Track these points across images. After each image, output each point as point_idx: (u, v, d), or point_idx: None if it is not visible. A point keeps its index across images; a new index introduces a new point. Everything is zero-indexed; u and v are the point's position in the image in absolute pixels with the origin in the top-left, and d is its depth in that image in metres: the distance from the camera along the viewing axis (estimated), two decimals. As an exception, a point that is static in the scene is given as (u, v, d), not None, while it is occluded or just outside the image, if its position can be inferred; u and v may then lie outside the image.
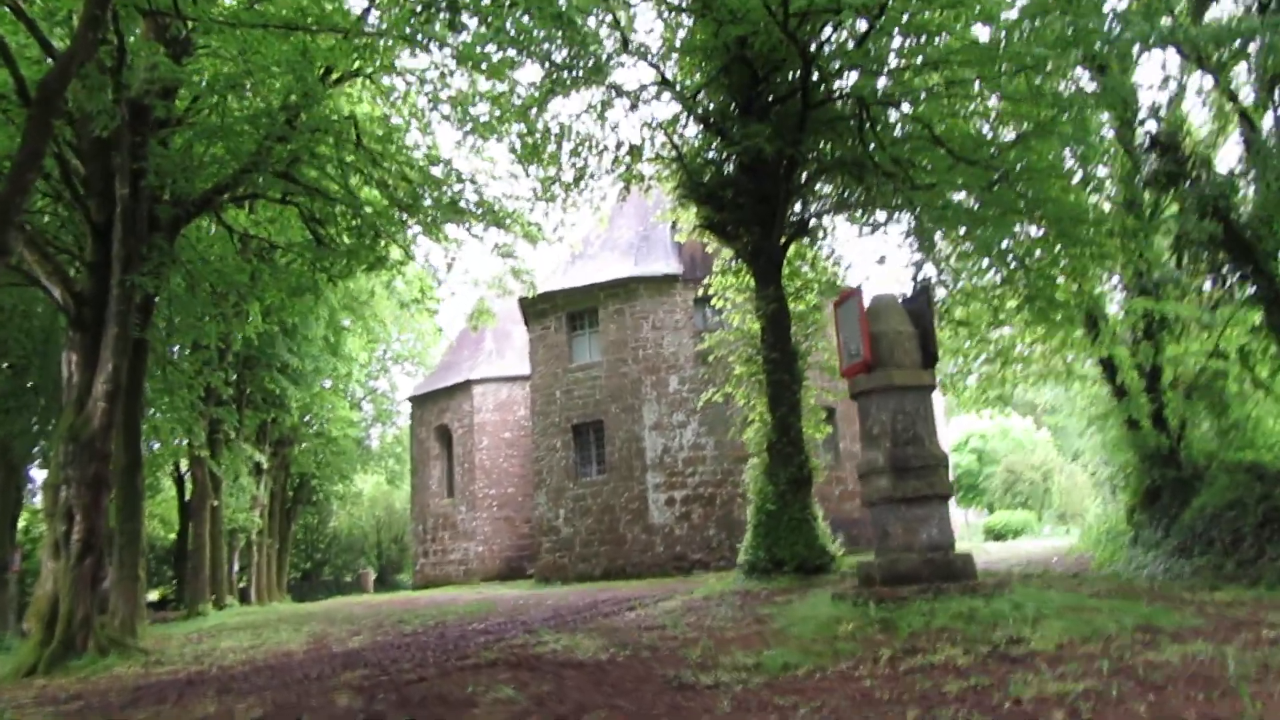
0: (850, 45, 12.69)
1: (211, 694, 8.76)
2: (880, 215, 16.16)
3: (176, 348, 21.60)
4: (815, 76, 13.97)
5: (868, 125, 13.51)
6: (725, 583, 15.39)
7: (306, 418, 36.81)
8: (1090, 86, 12.59)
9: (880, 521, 8.11)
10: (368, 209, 18.36)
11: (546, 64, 15.83)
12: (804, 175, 15.81)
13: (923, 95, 12.96)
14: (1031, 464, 39.76)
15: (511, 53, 16.87)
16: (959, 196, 13.88)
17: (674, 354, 24.12)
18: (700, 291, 21.27)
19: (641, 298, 24.38)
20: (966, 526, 35.93)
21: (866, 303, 8.37)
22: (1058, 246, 12.87)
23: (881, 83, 13.59)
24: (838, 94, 14.19)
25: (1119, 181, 13.69)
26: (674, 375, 24.04)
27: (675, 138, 16.93)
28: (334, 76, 16.42)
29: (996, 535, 35.26)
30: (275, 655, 12.36)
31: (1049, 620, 6.55)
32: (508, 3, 13.27)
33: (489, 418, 32.44)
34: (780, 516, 14.89)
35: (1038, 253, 13.57)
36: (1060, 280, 13.53)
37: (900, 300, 8.57)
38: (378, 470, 49.05)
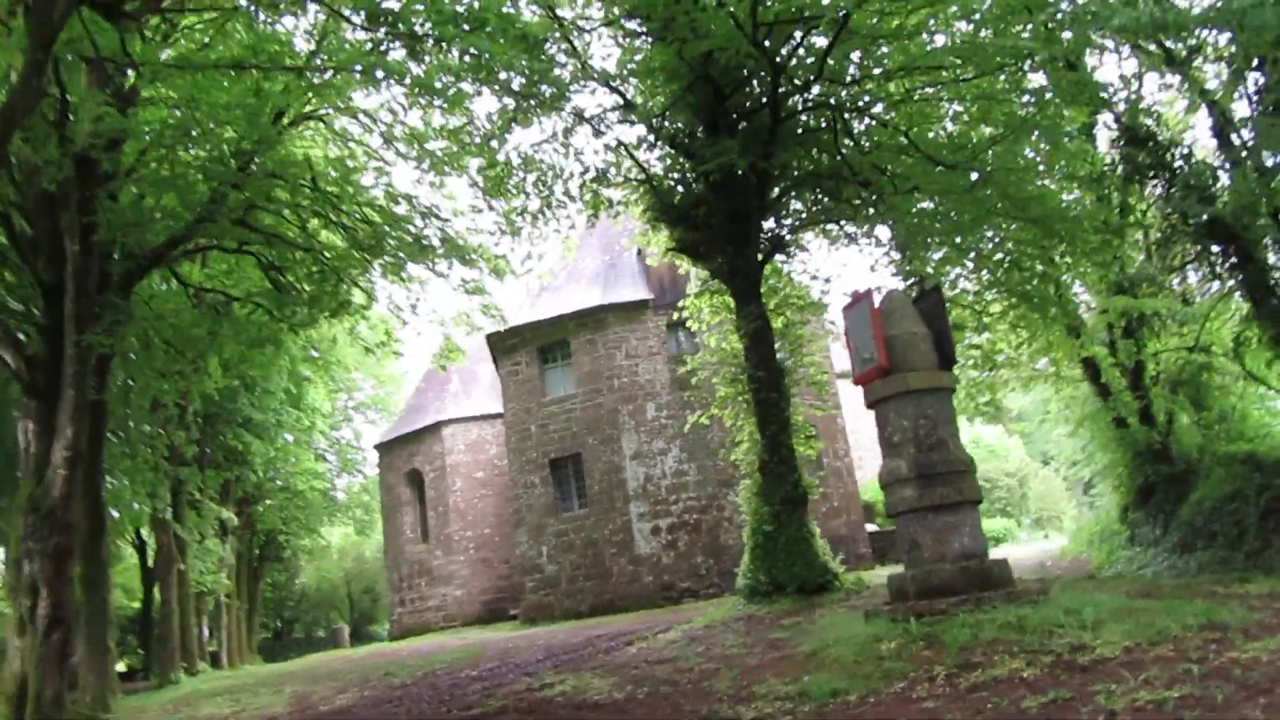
0: (820, 51, 12.45)
1: (202, 771, 8.17)
2: (853, 228, 15.99)
3: (134, 409, 20.72)
4: (784, 89, 13.78)
5: (841, 134, 13.33)
6: (724, 609, 14.95)
7: (270, 473, 35.88)
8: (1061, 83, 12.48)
9: (908, 532, 7.76)
10: (327, 254, 17.87)
11: (506, 94, 15.52)
12: (776, 190, 15.58)
13: (897, 100, 12.80)
14: (1006, 471, 39.79)
15: (467, 86, 16.64)
16: (928, 204, 13.73)
17: (650, 381, 23.73)
18: (674, 316, 20.98)
19: (613, 326, 23.99)
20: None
21: (877, 305, 8.06)
22: (1043, 245, 12.68)
23: (852, 90, 13.44)
24: (809, 104, 14.00)
25: (1091, 178, 13.59)
26: (651, 402, 23.63)
27: (641, 161, 16.67)
28: (286, 120, 15.95)
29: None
30: (259, 720, 11.73)
31: (1107, 624, 6.22)
32: (466, 28, 12.92)
33: (461, 458, 31.76)
34: (777, 537, 14.52)
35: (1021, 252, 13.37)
36: (1044, 277, 13.33)
37: (912, 301, 8.28)
38: (345, 521, 47.95)
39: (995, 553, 30.69)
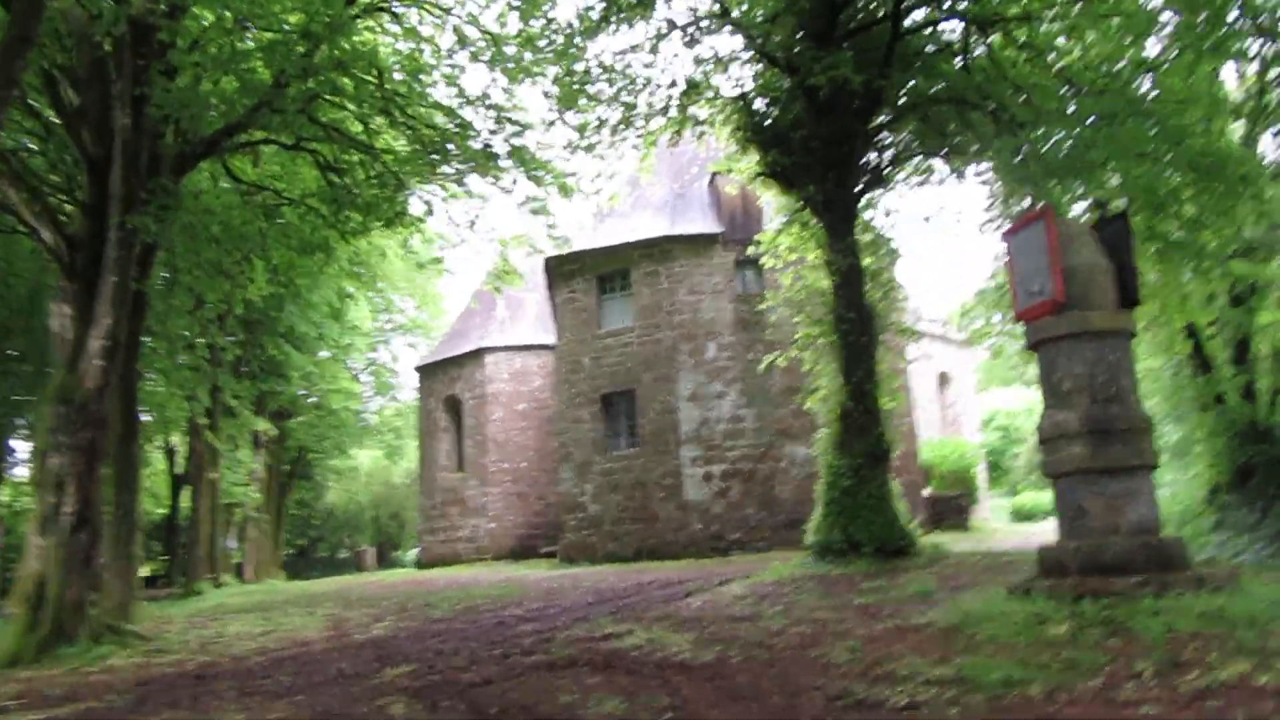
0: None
1: (232, 695, 7.23)
2: (963, 162, 14.58)
3: (175, 306, 19.85)
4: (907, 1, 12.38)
5: (971, 52, 11.91)
6: (790, 566, 13.89)
7: (306, 388, 35.35)
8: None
9: (1071, 497, 6.58)
10: (388, 157, 16.81)
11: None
12: (882, 116, 14.19)
13: (1037, 15, 11.32)
14: (1054, 442, 38.27)
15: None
16: (1062, 136, 12.28)
17: (713, 319, 22.49)
18: (748, 250, 19.68)
19: (678, 258, 22.71)
20: (995, 508, 34.56)
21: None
22: (1199, 189, 11.20)
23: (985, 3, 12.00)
24: (937, 16, 12.56)
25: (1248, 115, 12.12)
26: (713, 342, 22.41)
27: (735, 76, 15.32)
28: (354, 8, 14.75)
29: (1025, 516, 33.91)
30: (292, 644, 10.86)
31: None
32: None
33: (502, 388, 30.82)
34: (856, 493, 13.38)
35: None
36: (1192, 224, 11.86)
37: (1092, 228, 7.00)
38: (376, 445, 47.52)
39: (1051, 528, 29.70)
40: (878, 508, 13.31)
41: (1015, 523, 32.85)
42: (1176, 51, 10.95)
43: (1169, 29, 11.14)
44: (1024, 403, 42.70)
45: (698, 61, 15.41)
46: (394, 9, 16.01)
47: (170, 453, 37.20)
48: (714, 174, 23.65)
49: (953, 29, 13.72)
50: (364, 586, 21.84)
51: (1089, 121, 10.95)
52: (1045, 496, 35.17)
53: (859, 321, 13.81)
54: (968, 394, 35.23)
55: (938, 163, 15.12)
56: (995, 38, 12.16)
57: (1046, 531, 25.58)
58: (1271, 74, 11.89)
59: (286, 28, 13.82)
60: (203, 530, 26.00)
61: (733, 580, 13.56)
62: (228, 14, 13.76)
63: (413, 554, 43.64)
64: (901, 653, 6.21)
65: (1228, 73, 13.75)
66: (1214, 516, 17.03)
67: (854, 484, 13.44)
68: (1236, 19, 10.39)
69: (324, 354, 33.29)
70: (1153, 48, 11.49)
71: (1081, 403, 6.56)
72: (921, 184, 15.75)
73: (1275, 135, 12.22)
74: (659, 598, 12.72)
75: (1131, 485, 6.44)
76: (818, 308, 14.89)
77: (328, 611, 15.29)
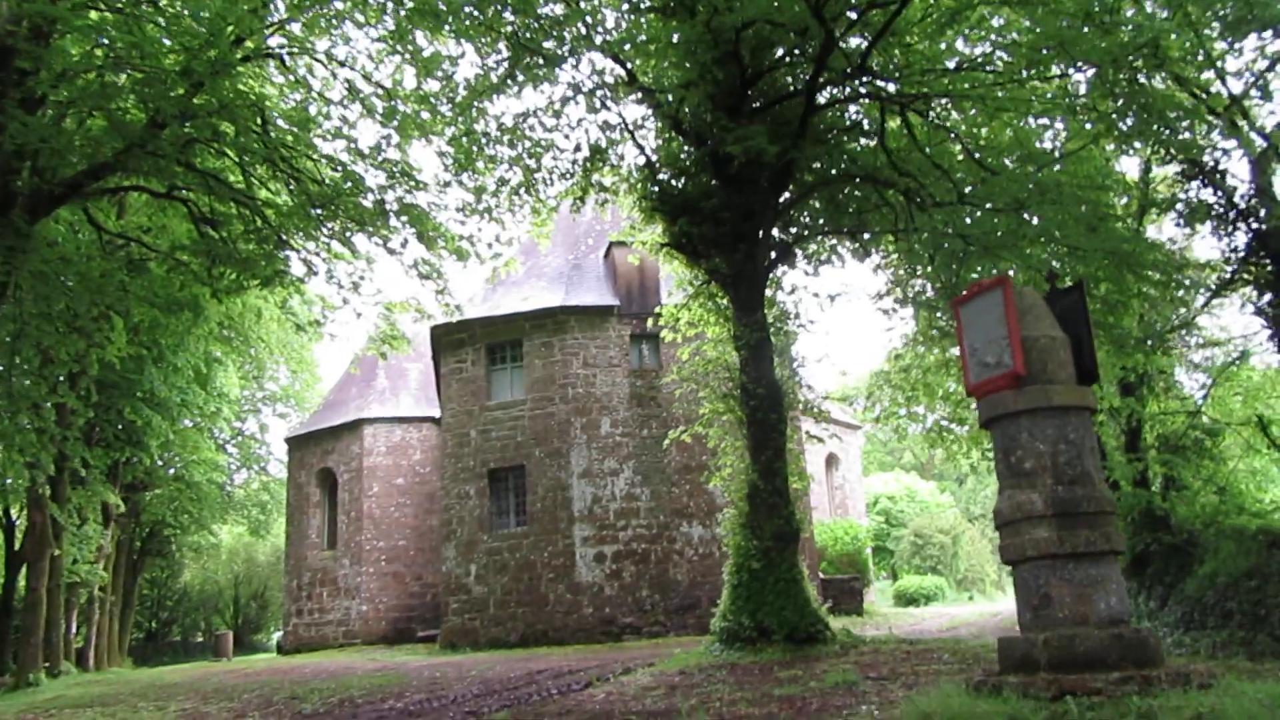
0: (879, 23, 10.97)
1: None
2: (869, 239, 14.53)
3: (19, 362, 18.02)
4: (826, 75, 12.27)
5: (887, 130, 11.85)
6: (697, 654, 13.12)
7: (165, 458, 32.94)
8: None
9: (1036, 584, 6.08)
10: (270, 211, 15.82)
11: (504, 41, 13.80)
12: (792, 191, 14.02)
13: (957, 95, 11.33)
14: (940, 528, 38.87)
15: (453, 47, 14.90)
16: (973, 218, 12.30)
17: (608, 394, 21.82)
18: (648, 323, 19.22)
19: (572, 331, 22.04)
20: (879, 591, 34.56)
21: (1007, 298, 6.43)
22: (1105, 274, 11.26)
23: (902, 81, 12.00)
24: (852, 94, 12.50)
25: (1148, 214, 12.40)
26: (607, 417, 21.71)
27: (643, 143, 15.00)
28: (248, 46, 13.89)
29: (909, 600, 33.97)
30: (142, 750, 9.49)
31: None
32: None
33: (381, 461, 29.29)
34: (765, 577, 12.79)
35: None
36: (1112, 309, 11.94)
37: (1044, 299, 6.68)
38: (239, 520, 44.70)
39: (941, 611, 29.40)
40: (787, 591, 12.74)
41: (898, 606, 32.85)
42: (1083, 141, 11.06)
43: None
44: (903, 487, 43.37)
45: (604, 128, 15.08)
46: (283, 57, 15.20)
47: (7, 526, 33.97)
48: (611, 245, 23.28)
49: (858, 110, 13.75)
50: (222, 675, 19.94)
51: (1005, 204, 10.94)
52: (927, 581, 35.50)
53: (768, 398, 13.38)
54: (854, 476, 35.45)
55: (842, 240, 15.06)
56: (911, 116, 12.12)
57: (938, 616, 25.56)
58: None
59: (166, 64, 12.79)
60: (40, 613, 23.49)
61: (635, 669, 12.72)
62: (98, 52, 12.72)
63: (276, 637, 40.88)
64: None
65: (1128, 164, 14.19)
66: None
67: (763, 567, 12.87)
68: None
69: (187, 422, 31.15)
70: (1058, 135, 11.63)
71: (1045, 483, 6.13)
72: (825, 261, 15.68)
73: (1178, 224, 12.51)
74: (555, 689, 11.79)
75: (1100, 572, 6.00)
76: (723, 383, 14.43)
77: (181, 707, 13.74)
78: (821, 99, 13.26)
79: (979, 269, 11.46)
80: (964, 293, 6.94)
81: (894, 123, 12.94)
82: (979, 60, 11.06)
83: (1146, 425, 17.17)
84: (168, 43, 13.09)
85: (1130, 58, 9.76)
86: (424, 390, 30.62)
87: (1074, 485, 6.10)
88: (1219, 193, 11.80)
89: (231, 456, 40.87)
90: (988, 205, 10.83)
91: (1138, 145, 11.51)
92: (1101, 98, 10.36)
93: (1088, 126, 10.96)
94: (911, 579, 35.98)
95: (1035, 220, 10.87)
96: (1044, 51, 10.00)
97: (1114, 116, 10.21)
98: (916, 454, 62.41)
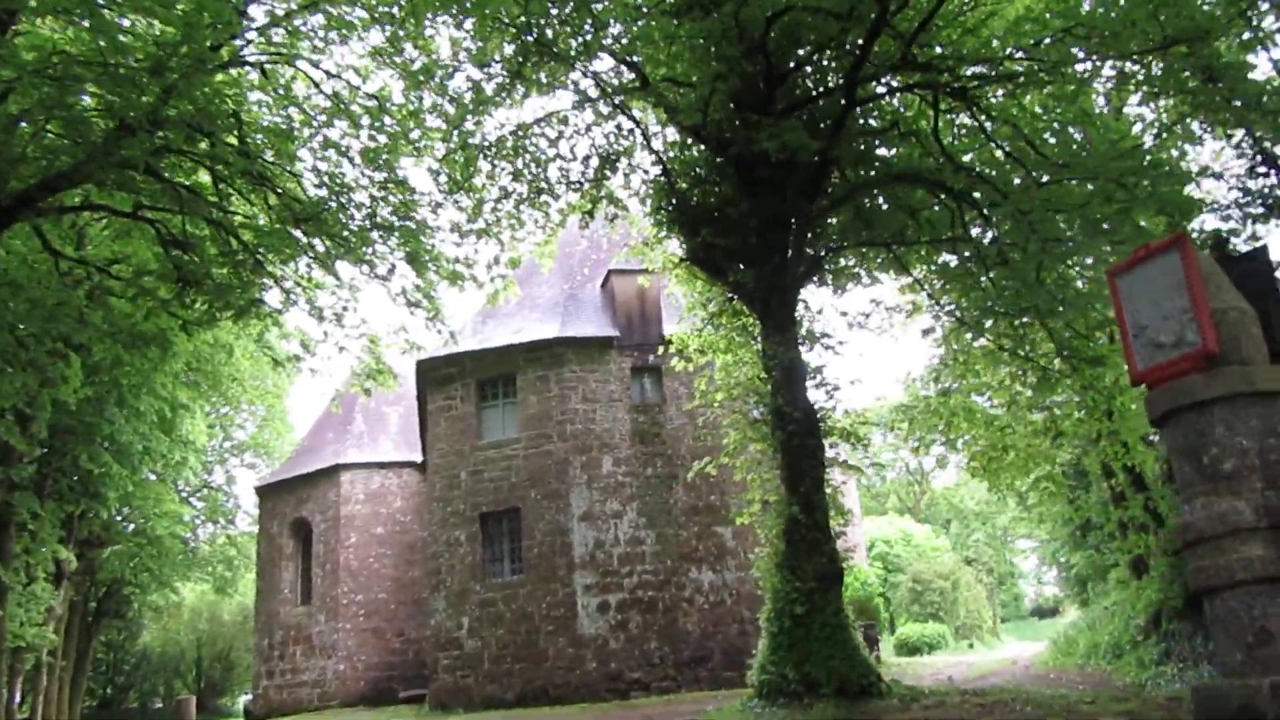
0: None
1: None
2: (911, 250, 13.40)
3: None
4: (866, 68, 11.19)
5: (934, 126, 10.73)
6: (730, 713, 11.65)
7: (124, 511, 31.03)
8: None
9: (1247, 617, 4.80)
10: (246, 233, 14.55)
11: (510, 45, 12.70)
12: (826, 197, 12.85)
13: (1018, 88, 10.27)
14: (938, 573, 37.44)
15: (447, 51, 13.85)
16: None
17: (609, 430, 20.37)
18: (656, 352, 17.94)
19: (569, 364, 20.62)
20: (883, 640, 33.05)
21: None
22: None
23: (953, 73, 10.94)
24: (897, 86, 11.42)
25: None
26: (608, 456, 20.23)
27: (658, 150, 13.84)
28: (217, 56, 12.59)
29: (912, 649, 32.46)
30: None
31: None
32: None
33: (359, 509, 27.51)
34: (809, 622, 11.38)
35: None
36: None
37: (1222, 263, 5.47)
38: (204, 577, 42.43)
39: (949, 660, 27.94)
40: (834, 638, 11.35)
41: (901, 655, 31.31)
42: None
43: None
44: (898, 531, 42.04)
45: (614, 135, 13.95)
46: (263, 68, 14.00)
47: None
48: (609, 274, 22.03)
49: (903, 106, 12.69)
50: (187, 748, 18.05)
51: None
52: (929, 629, 34.03)
53: (804, 422, 12.07)
54: (855, 520, 34.06)
55: (875, 254, 13.93)
56: (962, 117, 11.07)
57: (954, 665, 24.07)
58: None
59: (135, 63, 11.44)
60: (-17, 681, 21.49)
61: (662, 732, 11.24)
62: (55, 58, 11.33)
63: (243, 701, 38.54)
64: None
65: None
66: (1159, 646, 15.79)
67: (806, 611, 11.46)
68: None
69: (150, 474, 29.31)
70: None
71: (1253, 487, 4.88)
72: (854, 276, 14.57)
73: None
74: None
75: (1331, 601, 4.72)
76: (752, 408, 13.13)
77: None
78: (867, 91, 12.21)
79: (1073, 264, 10.28)
80: (1122, 263, 5.70)
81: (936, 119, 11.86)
82: (1045, 40, 10.01)
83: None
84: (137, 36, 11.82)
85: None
86: (404, 434, 29.01)
87: (1297, 490, 4.84)
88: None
89: (196, 510, 38.91)
90: (1075, 181, 9.65)
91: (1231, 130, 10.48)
92: (1185, 79, 9.33)
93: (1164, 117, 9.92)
94: (913, 627, 34.52)
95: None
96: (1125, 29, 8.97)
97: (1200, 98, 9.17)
98: (902, 497, 61.30)
